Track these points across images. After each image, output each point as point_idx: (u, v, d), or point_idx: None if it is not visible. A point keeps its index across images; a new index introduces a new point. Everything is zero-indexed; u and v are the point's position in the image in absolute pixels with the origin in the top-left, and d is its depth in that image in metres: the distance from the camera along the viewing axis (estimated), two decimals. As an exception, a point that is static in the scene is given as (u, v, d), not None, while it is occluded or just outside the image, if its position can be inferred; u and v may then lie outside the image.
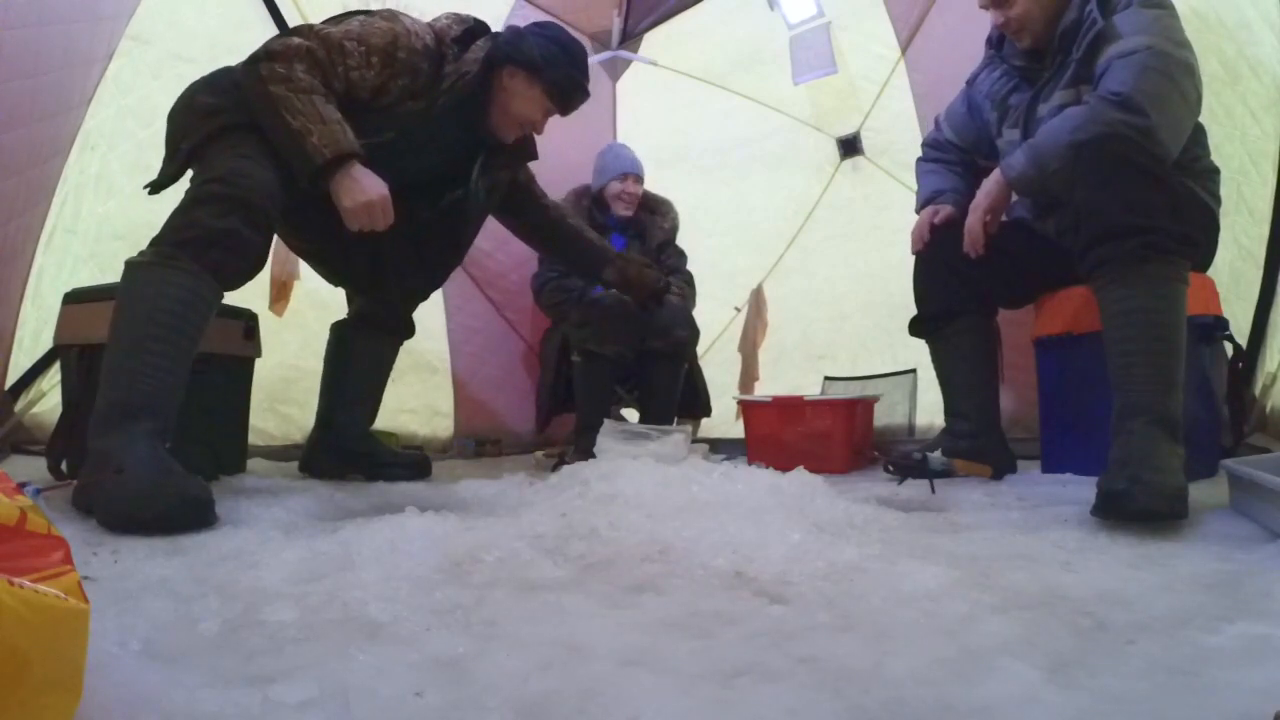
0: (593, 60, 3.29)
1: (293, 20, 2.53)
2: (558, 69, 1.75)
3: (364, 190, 1.50)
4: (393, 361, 2.05)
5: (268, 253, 1.46)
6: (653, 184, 2.89)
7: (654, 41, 3.34)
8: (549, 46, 1.74)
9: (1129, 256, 1.31)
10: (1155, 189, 1.34)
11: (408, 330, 2.05)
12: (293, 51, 1.46)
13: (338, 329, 2.01)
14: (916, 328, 2.02)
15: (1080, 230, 1.39)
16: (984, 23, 1.86)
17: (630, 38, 3.35)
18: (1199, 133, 1.62)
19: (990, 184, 1.69)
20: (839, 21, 2.82)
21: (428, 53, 1.63)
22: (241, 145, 1.42)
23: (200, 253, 1.32)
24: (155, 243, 1.34)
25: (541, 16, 3.15)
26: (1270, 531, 1.06)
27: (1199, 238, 1.40)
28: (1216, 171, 1.66)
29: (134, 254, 1.34)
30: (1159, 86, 1.44)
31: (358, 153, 1.48)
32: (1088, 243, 1.37)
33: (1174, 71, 1.46)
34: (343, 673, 0.62)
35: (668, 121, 3.35)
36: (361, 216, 1.51)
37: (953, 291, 1.89)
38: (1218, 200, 1.65)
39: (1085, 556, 1.01)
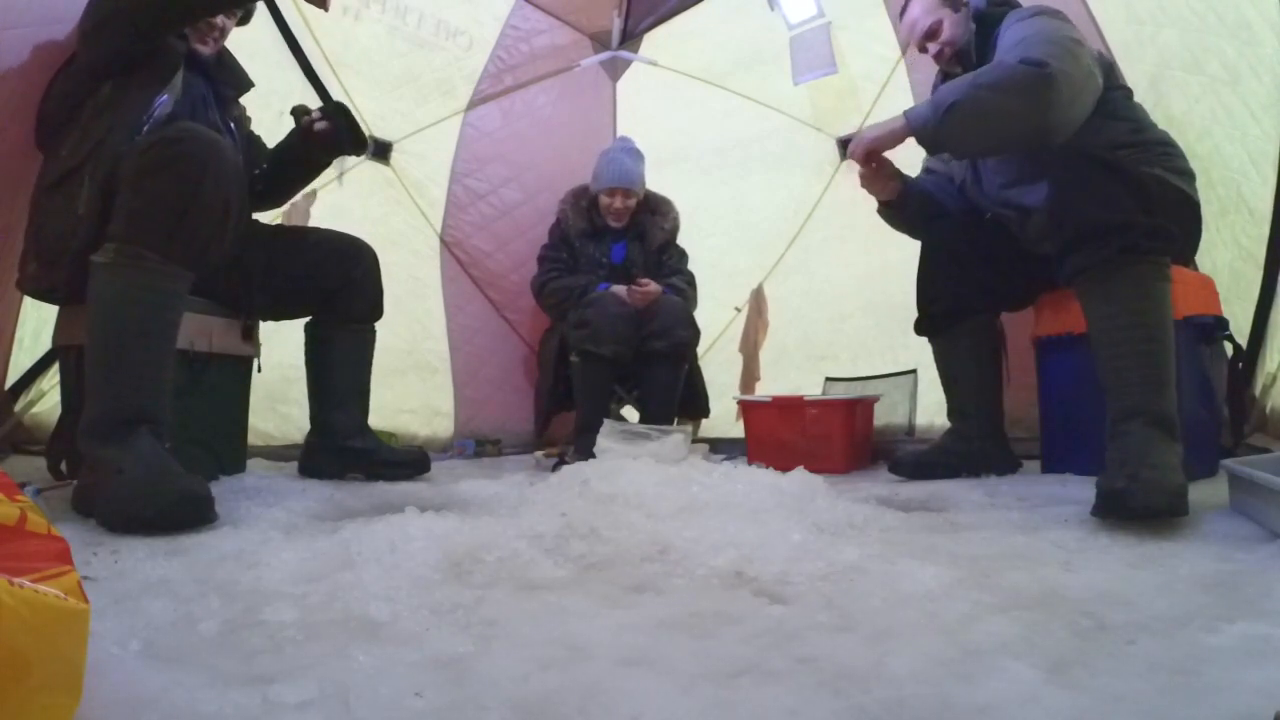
0: (593, 60, 3.30)
1: (292, 19, 2.53)
2: None
3: None
4: (372, 350, 2.02)
5: (235, 218, 1.38)
6: (653, 184, 2.88)
7: (654, 41, 3.34)
8: None
9: (1106, 263, 1.30)
10: (1117, 181, 1.33)
11: (375, 313, 2.01)
12: None
13: (310, 329, 1.99)
14: (922, 326, 2.02)
15: (1053, 233, 1.39)
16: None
17: (630, 38, 3.35)
18: (1135, 109, 1.64)
19: (888, 121, 1.68)
20: (839, 21, 2.82)
21: None
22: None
23: (162, 244, 1.28)
24: (114, 237, 1.28)
25: (541, 17, 3.16)
26: (1270, 531, 1.06)
27: (1173, 229, 1.37)
28: (1169, 144, 1.62)
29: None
30: (1050, 48, 1.47)
31: None
32: (1063, 247, 1.37)
33: (1058, 39, 1.49)
34: (343, 673, 0.62)
35: (668, 121, 3.35)
36: None
37: (960, 291, 1.90)
38: (1184, 175, 1.60)
39: (1085, 556, 1.01)
